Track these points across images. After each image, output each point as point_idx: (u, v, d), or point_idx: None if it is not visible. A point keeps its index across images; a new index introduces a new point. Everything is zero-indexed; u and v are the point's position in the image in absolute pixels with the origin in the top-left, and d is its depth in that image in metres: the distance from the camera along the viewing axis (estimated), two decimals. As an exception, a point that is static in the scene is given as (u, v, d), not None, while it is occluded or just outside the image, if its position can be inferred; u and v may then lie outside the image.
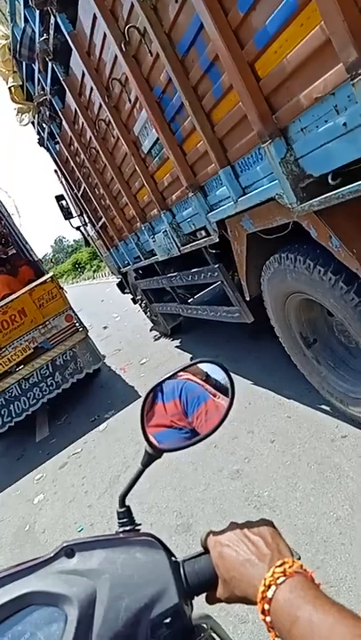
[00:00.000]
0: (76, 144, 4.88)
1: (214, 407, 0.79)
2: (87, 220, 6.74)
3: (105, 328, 10.04)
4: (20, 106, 5.30)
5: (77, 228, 7.27)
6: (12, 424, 5.67)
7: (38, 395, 5.77)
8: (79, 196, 6.03)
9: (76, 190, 6.04)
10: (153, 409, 0.82)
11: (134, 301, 7.35)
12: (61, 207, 6.89)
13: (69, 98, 4.12)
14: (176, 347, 6.08)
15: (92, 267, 37.66)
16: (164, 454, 0.78)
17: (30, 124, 5.75)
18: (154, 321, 6.78)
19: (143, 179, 3.53)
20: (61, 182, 6.81)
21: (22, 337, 5.64)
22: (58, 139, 5.53)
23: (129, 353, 7.20)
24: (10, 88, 5.06)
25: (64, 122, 4.74)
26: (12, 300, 5.41)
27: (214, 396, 0.81)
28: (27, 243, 6.61)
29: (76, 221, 7.14)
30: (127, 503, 0.79)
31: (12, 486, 4.71)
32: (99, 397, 5.99)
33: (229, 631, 0.81)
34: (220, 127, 2.19)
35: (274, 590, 0.50)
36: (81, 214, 6.88)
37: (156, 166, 3.31)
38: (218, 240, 2.85)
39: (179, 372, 0.81)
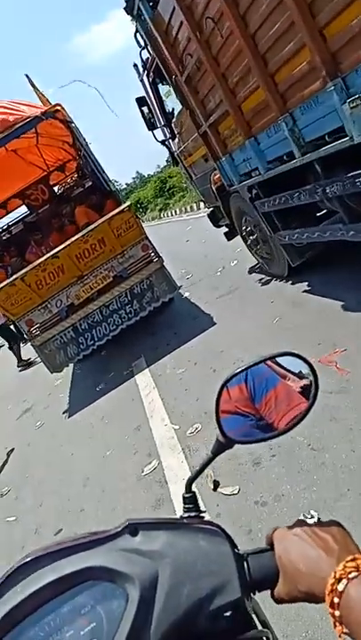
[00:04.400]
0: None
1: (285, 393, 0.70)
2: (179, 131, 5.30)
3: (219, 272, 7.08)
4: None
5: (163, 142, 5.78)
6: (95, 347, 5.79)
7: (118, 321, 5.78)
8: (182, 82, 4.06)
9: (178, 75, 4.05)
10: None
11: (229, 236, 6.04)
12: (143, 114, 5.38)
13: None
14: (305, 291, 4.39)
15: (156, 205, 33.20)
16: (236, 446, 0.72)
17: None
18: (265, 259, 5.17)
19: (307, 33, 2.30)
20: (145, 79, 5.17)
21: (102, 265, 5.56)
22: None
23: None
24: None
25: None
26: (92, 229, 5.28)
27: (285, 378, 0.71)
28: (104, 172, 6.18)
29: (160, 134, 5.61)
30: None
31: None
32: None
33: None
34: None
35: (345, 584, 0.47)
36: (168, 124, 5.44)
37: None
38: None
39: (257, 363, 0.71)
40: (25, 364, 8.51)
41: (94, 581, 0.57)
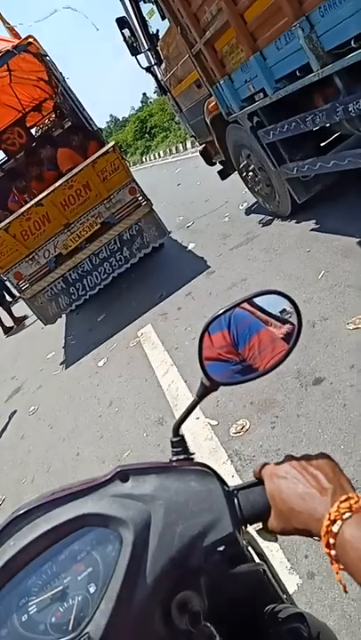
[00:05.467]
0: None
1: (269, 338, 0.69)
2: (165, 55, 4.65)
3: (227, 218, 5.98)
4: None
5: (148, 69, 5.09)
6: (87, 297, 5.59)
7: (108, 269, 5.55)
8: None
9: None
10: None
11: (224, 174, 5.46)
12: (125, 37, 4.65)
13: None
14: (313, 230, 3.89)
15: (137, 149, 30.44)
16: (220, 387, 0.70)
17: None
18: (265, 197, 4.58)
19: None
20: None
21: (88, 212, 5.23)
22: None
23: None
24: None
25: None
26: (76, 174, 4.92)
27: (267, 324, 0.69)
28: (84, 110, 5.65)
29: (143, 60, 4.92)
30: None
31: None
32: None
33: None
34: None
35: (340, 525, 0.48)
36: (152, 48, 4.78)
37: None
38: None
39: (239, 304, 0.69)
40: (9, 328, 7.94)
41: (88, 527, 0.57)
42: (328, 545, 0.49)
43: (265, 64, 2.98)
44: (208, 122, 4.31)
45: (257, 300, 0.69)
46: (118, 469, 0.61)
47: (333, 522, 0.49)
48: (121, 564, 0.53)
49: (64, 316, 6.10)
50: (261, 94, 3.29)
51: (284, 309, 0.68)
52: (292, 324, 0.67)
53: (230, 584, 0.66)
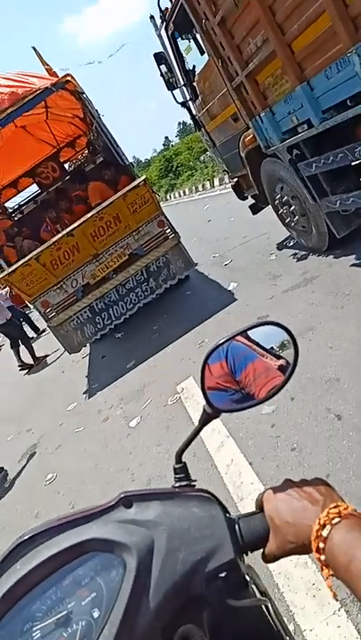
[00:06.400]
0: None
1: (263, 367, 0.72)
2: (201, 90, 4.59)
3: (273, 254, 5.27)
4: None
5: (183, 104, 5.03)
6: (112, 326, 5.54)
7: (134, 299, 5.50)
8: (214, 26, 3.35)
9: (211, 17, 3.32)
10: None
11: (255, 208, 5.26)
12: (162, 72, 4.61)
13: None
14: (353, 265, 3.65)
15: (160, 187, 30.58)
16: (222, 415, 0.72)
17: None
18: (301, 231, 4.38)
19: None
20: (163, 32, 4.55)
21: (117, 243, 5.24)
22: None
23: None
24: None
25: None
26: (107, 206, 4.92)
27: (263, 356, 0.73)
28: (118, 145, 5.68)
29: (179, 95, 4.88)
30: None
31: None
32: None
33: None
34: None
35: (329, 530, 0.49)
36: (188, 83, 4.73)
37: None
38: None
39: (235, 335, 0.72)
40: (29, 366, 7.40)
41: (92, 553, 0.57)
42: (318, 550, 0.49)
43: (312, 94, 2.86)
44: (243, 155, 4.22)
45: (255, 332, 0.72)
46: (122, 495, 0.61)
47: (323, 526, 0.49)
48: (124, 590, 0.53)
49: (87, 360, 5.89)
50: (305, 125, 3.17)
51: (282, 341, 0.71)
52: (285, 359, 0.70)
53: (233, 619, 0.65)
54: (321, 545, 0.48)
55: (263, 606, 0.70)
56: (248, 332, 0.72)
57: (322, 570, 0.48)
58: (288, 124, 3.36)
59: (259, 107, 3.49)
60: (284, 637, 0.69)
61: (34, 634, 0.53)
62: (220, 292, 5.10)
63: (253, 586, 0.70)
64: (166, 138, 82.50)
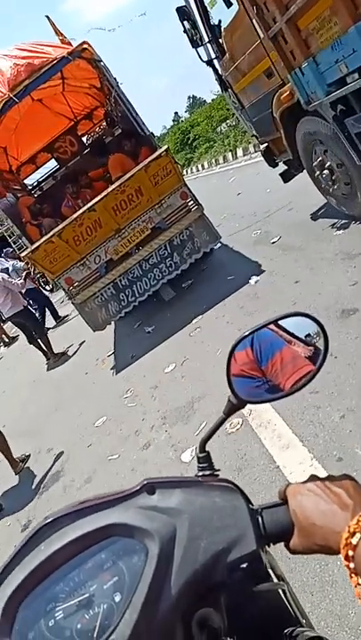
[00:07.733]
0: None
1: (291, 356, 0.69)
2: (229, 47, 4.16)
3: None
4: None
5: (208, 63, 4.55)
6: (137, 303, 5.34)
7: (158, 275, 5.28)
8: None
9: None
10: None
11: (287, 176, 4.77)
12: (185, 28, 4.19)
13: None
14: None
15: (176, 162, 29.33)
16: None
17: None
18: (341, 197, 3.91)
19: None
20: None
21: (140, 217, 5.00)
22: None
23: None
24: None
25: None
26: (128, 178, 4.67)
27: (291, 344, 0.70)
28: (138, 115, 5.35)
29: (203, 52, 4.43)
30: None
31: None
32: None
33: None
34: None
35: (359, 537, 0.47)
36: (214, 39, 4.31)
37: None
38: None
39: (267, 324, 0.70)
40: (59, 355, 6.51)
41: (114, 538, 0.57)
42: (347, 557, 0.47)
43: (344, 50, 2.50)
44: (277, 116, 3.82)
45: (284, 322, 0.70)
46: (145, 482, 0.60)
47: (353, 534, 0.47)
48: (146, 575, 0.52)
49: (112, 359, 5.13)
50: (356, 75, 2.77)
51: (310, 333, 0.68)
52: (317, 347, 0.67)
53: (250, 603, 0.65)
54: (350, 553, 0.46)
55: (280, 590, 0.70)
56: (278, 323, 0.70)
57: (350, 577, 0.47)
58: (335, 75, 2.94)
59: (300, 57, 3.07)
60: (300, 620, 0.68)
61: (56, 614, 0.53)
62: (274, 279, 4.03)
63: (270, 569, 0.70)
64: (176, 113, 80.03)
